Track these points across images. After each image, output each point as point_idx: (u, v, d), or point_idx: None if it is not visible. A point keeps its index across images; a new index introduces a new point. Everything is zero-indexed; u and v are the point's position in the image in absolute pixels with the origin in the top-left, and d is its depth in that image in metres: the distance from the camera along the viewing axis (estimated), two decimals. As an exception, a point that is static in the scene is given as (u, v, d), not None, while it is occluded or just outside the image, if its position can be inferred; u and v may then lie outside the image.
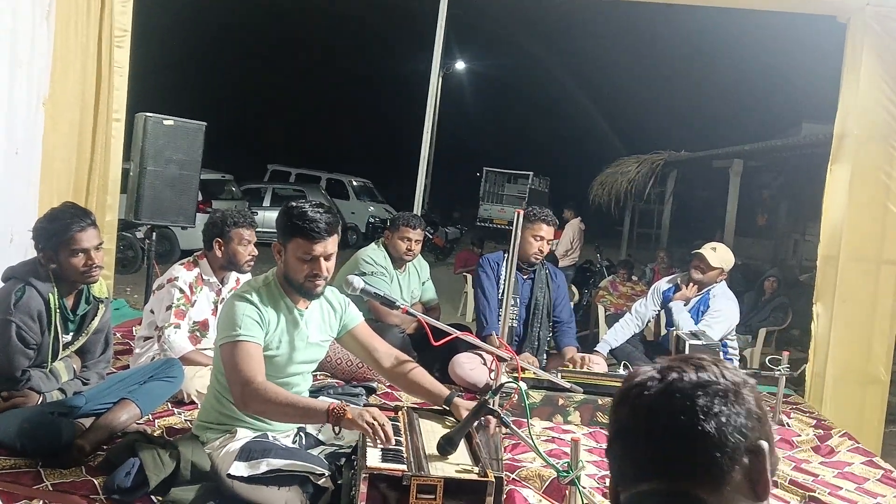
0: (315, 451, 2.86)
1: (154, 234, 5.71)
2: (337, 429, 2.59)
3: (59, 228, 3.07)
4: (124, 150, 5.85)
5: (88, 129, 5.46)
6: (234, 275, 4.21)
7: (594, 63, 37.31)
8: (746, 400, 1.07)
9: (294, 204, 2.80)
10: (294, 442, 2.91)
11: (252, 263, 4.14)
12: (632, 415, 1.11)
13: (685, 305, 5.01)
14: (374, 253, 5.09)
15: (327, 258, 2.78)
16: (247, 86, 35.25)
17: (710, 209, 15.90)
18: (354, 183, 21.47)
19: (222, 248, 4.04)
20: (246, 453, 2.61)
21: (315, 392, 3.52)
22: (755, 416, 1.07)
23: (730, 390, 1.06)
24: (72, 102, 5.21)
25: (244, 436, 2.76)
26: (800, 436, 4.14)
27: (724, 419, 1.04)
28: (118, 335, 4.78)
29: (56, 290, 3.10)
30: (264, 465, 2.53)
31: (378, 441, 2.45)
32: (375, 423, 2.47)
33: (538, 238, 4.68)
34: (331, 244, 2.77)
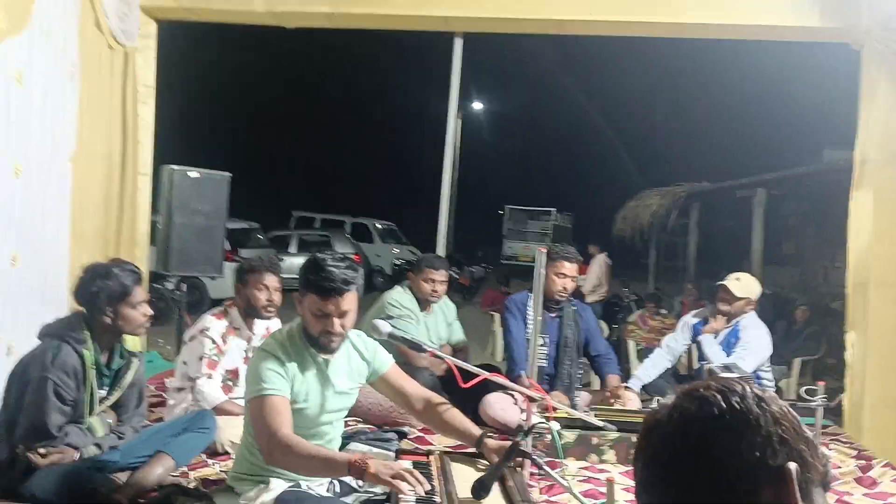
0: (349, 499, 2.86)
1: (184, 284, 5.77)
2: (360, 483, 2.57)
3: (122, 285, 3.15)
4: (152, 202, 5.96)
5: (116, 184, 5.58)
6: (263, 323, 4.24)
7: (612, 98, 37.49)
8: (760, 425, 1.00)
9: (316, 256, 2.81)
10: (328, 490, 2.90)
11: (272, 310, 4.14)
12: (642, 466, 1.08)
13: (715, 338, 4.96)
14: (399, 296, 5.10)
15: (341, 315, 2.76)
16: (268, 134, 35.69)
17: (735, 239, 15.76)
18: (378, 226, 21.59)
19: (241, 293, 4.09)
20: None
21: (347, 438, 3.52)
22: (774, 440, 0.99)
23: (738, 420, 1.00)
24: (98, 159, 5.32)
25: (278, 486, 2.76)
26: (840, 467, 4.06)
27: (726, 457, 0.98)
28: (151, 387, 4.82)
29: (92, 345, 3.15)
30: None
31: (409, 490, 2.40)
32: (403, 472, 2.41)
33: (561, 276, 4.69)
34: (346, 302, 2.74)
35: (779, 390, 6.56)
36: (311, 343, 2.84)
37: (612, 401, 4.54)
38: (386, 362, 3.07)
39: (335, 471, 2.66)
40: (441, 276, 5.10)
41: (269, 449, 2.64)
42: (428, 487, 2.43)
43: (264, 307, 4.10)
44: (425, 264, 5.10)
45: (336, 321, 2.75)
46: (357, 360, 3.02)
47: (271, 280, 4.11)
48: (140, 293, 3.23)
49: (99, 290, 3.12)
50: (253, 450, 2.84)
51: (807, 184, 12.00)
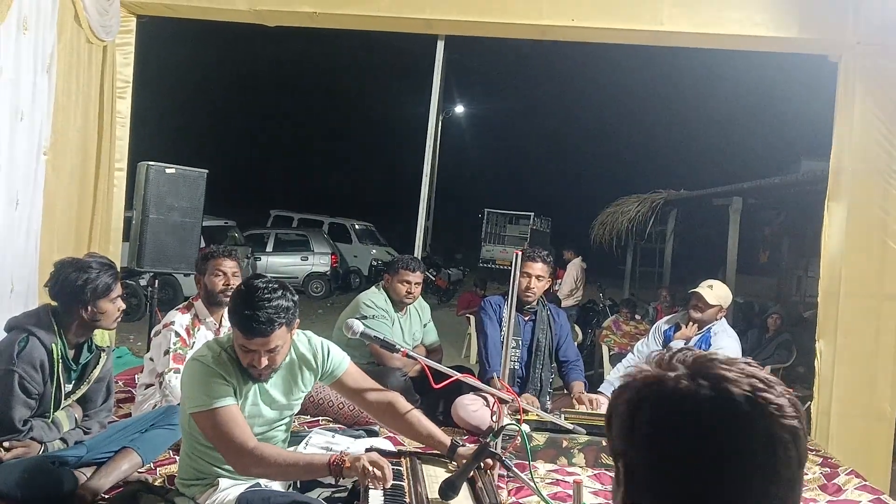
0: (313, 494, 2.84)
1: (157, 281, 5.72)
2: (342, 478, 2.56)
3: (104, 279, 3.15)
4: (127, 198, 5.92)
5: (90, 178, 5.53)
6: None
7: (592, 104, 37.72)
8: (787, 450, 0.96)
9: (247, 285, 2.66)
10: (288, 487, 2.88)
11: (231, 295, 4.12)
12: (656, 455, 0.99)
13: (686, 344, 5.00)
14: (374, 296, 5.09)
15: (270, 350, 2.63)
16: (248, 132, 35.64)
17: (711, 247, 15.91)
18: (357, 226, 21.53)
19: (201, 282, 4.08)
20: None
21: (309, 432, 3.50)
22: (791, 453, 0.97)
23: (767, 446, 0.95)
24: (73, 153, 5.27)
25: (229, 485, 2.72)
26: (807, 474, 4.10)
27: (746, 471, 0.94)
28: (120, 383, 4.78)
29: (61, 339, 3.12)
30: None
31: (377, 484, 2.42)
32: (373, 467, 2.44)
33: (526, 275, 4.69)
34: (273, 339, 2.60)
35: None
36: (241, 369, 2.73)
37: (578, 407, 4.55)
38: (341, 364, 2.96)
39: (316, 472, 2.63)
40: (416, 277, 5.09)
41: (242, 465, 2.60)
42: (388, 485, 2.43)
43: (222, 292, 4.06)
44: (401, 266, 5.09)
45: (263, 358, 2.64)
46: (300, 371, 2.91)
47: (229, 265, 4.09)
48: (118, 288, 3.23)
49: (84, 283, 3.11)
50: (192, 455, 2.80)
51: (783, 193, 12.11)
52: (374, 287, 5.28)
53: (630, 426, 1.02)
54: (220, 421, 2.59)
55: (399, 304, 5.11)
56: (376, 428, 4.22)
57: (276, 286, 2.62)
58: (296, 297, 2.71)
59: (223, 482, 2.74)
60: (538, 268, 4.76)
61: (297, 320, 2.73)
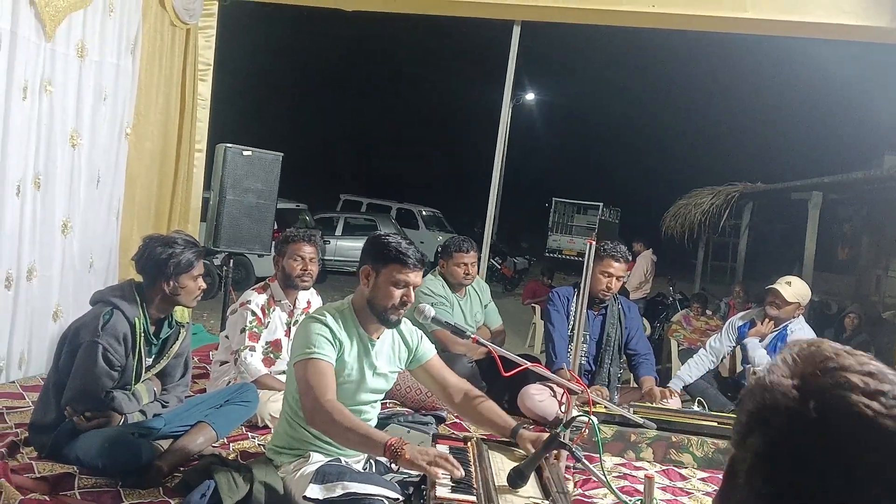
0: (385, 478, 2.87)
1: (231, 261, 5.84)
2: (395, 466, 2.56)
3: (188, 256, 3.24)
4: (205, 179, 6.05)
5: (171, 159, 5.68)
6: (304, 296, 4.30)
7: (667, 93, 37.00)
8: None
9: (386, 234, 2.87)
10: (364, 468, 2.92)
11: (308, 279, 4.21)
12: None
13: (761, 342, 4.88)
14: (431, 284, 5.07)
15: (416, 287, 2.85)
16: (321, 117, 35.99)
17: (788, 243, 15.48)
18: (424, 213, 21.58)
19: (279, 264, 4.17)
20: (321, 476, 2.62)
21: (385, 419, 3.54)
22: None
23: None
24: (155, 133, 5.42)
25: (317, 460, 2.78)
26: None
27: None
28: (195, 359, 4.91)
29: (143, 314, 3.21)
30: (340, 489, 2.54)
31: (443, 475, 2.37)
32: (438, 459, 2.39)
33: (607, 275, 4.59)
34: (421, 276, 2.86)
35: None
36: (377, 315, 2.84)
37: (650, 403, 4.47)
38: (429, 351, 3.07)
39: (371, 448, 2.64)
40: (471, 257, 5.07)
41: (312, 412, 2.67)
42: (462, 473, 2.40)
43: (299, 276, 4.17)
44: (454, 249, 5.06)
45: (412, 292, 2.82)
46: (400, 345, 3.03)
47: (307, 250, 4.19)
48: (201, 266, 3.32)
49: (168, 257, 3.20)
50: (292, 422, 2.87)
51: (866, 189, 11.69)
52: (430, 274, 5.24)
53: (742, 439, 0.94)
54: (311, 370, 2.70)
55: (458, 287, 5.09)
56: (443, 413, 4.24)
57: (404, 236, 2.91)
58: None
59: (314, 456, 2.80)
60: (621, 268, 4.65)
61: None
